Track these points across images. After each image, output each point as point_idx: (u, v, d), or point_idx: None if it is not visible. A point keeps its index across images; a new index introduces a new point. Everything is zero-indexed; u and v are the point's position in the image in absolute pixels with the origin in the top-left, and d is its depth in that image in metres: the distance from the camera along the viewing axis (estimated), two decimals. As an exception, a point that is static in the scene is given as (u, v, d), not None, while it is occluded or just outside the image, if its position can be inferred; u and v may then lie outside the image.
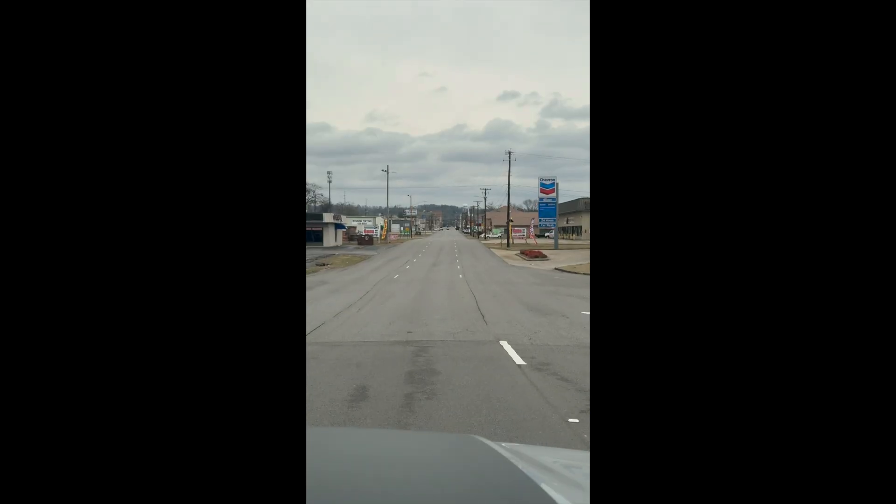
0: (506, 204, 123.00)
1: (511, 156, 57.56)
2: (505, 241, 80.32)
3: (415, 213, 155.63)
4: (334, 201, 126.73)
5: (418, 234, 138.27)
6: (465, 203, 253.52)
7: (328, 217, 60.90)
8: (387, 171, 71.44)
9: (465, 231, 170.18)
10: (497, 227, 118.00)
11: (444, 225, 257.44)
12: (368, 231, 78.97)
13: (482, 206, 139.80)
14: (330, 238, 60.39)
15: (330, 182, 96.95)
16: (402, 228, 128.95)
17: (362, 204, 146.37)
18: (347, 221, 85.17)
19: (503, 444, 1.55)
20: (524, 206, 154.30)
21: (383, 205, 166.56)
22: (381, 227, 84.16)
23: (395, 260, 39.43)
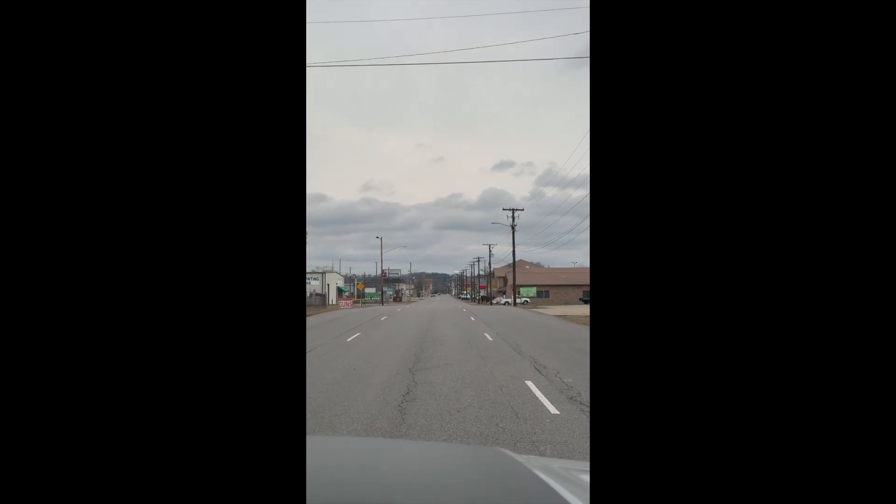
0: (504, 266, 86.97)
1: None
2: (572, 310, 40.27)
3: (399, 271, 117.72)
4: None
5: (398, 299, 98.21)
6: (456, 270, 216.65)
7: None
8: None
9: (461, 296, 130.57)
10: (525, 286, 76.70)
11: (434, 292, 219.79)
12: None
13: (476, 272, 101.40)
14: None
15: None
16: (373, 292, 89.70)
17: (354, 273, 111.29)
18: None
19: (530, 457, 1.50)
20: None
21: (374, 273, 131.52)
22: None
23: None
